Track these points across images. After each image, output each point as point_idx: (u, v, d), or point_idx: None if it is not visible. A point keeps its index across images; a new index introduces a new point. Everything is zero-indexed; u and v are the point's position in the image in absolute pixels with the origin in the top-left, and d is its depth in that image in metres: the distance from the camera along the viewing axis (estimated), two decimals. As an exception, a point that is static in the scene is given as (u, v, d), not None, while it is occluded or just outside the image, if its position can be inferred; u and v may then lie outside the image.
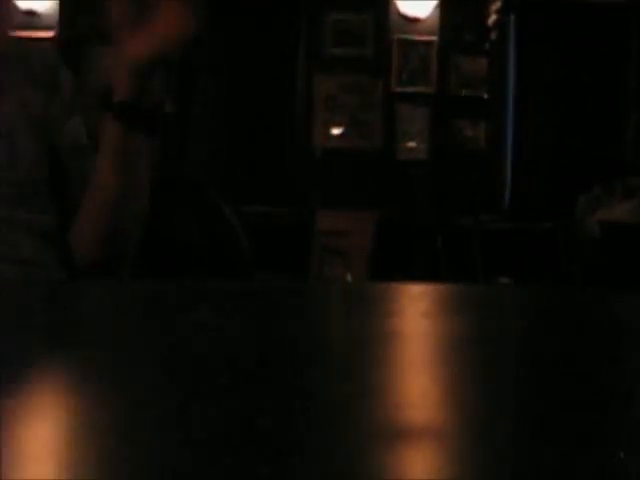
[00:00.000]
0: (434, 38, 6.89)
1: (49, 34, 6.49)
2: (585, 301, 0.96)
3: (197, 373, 0.49)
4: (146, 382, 0.47)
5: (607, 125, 7.01)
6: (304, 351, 0.57)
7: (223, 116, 6.79)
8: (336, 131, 6.87)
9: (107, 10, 1.12)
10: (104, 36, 1.14)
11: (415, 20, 6.85)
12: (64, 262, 1.20)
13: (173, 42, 1.10)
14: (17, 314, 0.70)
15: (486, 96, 6.96)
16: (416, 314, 0.80)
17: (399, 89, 6.90)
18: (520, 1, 6.94)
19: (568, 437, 0.38)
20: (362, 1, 6.87)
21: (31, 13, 6.52)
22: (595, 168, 6.41)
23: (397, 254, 6.33)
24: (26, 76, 1.22)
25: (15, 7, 6.53)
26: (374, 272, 6.21)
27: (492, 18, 6.84)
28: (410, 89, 6.89)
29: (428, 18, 6.86)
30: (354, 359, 0.55)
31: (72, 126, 1.24)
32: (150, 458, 0.34)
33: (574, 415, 0.42)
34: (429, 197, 6.83)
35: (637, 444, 0.38)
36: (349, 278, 6.07)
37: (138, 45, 1.10)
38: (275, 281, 2.93)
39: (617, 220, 5.32)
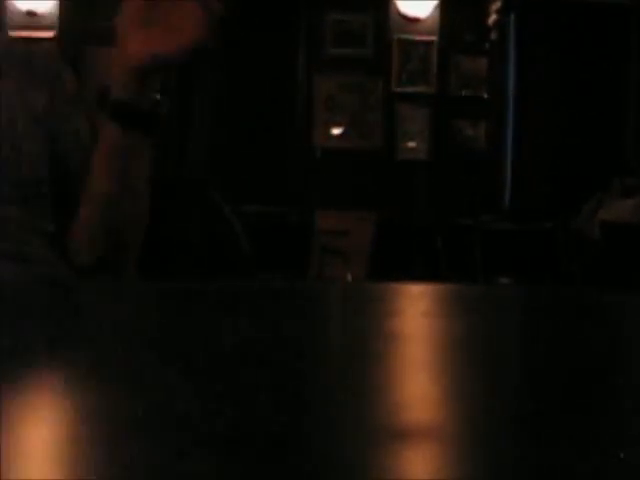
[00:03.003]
0: (434, 38, 6.89)
1: (49, 34, 6.48)
2: (585, 301, 0.96)
3: (196, 373, 0.49)
4: (146, 382, 0.47)
5: (607, 125, 7.01)
6: (304, 351, 0.57)
7: (223, 116, 6.79)
8: (336, 131, 6.87)
9: (116, 8, 1.12)
10: (105, 37, 1.14)
11: (415, 20, 6.85)
12: (68, 261, 1.21)
13: (184, 48, 1.09)
14: (18, 314, 0.70)
15: (486, 96, 6.96)
16: (416, 314, 0.80)
17: (399, 89, 6.89)
18: (520, 1, 6.94)
19: (568, 437, 0.38)
20: (362, 1, 6.86)
21: (31, 13, 6.52)
22: (595, 168, 6.41)
23: (397, 254, 6.33)
24: (28, 77, 1.22)
25: (15, 7, 6.53)
26: (374, 272, 6.21)
27: (492, 18, 6.84)
28: (410, 89, 6.89)
29: (428, 18, 6.86)
30: (354, 359, 0.55)
31: (75, 126, 1.24)
32: (151, 458, 0.34)
33: (574, 415, 0.42)
34: (429, 197, 6.83)
35: (637, 444, 0.38)
36: (349, 278, 6.07)
37: (144, 45, 1.09)
38: (275, 281, 2.93)
39: (617, 220, 5.32)
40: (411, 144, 6.91)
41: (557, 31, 6.99)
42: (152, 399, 0.43)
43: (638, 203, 5.47)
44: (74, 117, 1.24)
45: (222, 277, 1.55)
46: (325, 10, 6.83)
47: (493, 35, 6.89)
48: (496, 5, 6.81)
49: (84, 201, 1.20)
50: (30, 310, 0.73)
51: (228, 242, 1.68)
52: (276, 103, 6.83)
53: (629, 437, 0.39)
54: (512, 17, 6.95)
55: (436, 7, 6.86)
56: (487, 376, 0.52)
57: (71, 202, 1.22)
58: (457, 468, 0.34)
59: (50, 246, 1.20)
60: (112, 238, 1.20)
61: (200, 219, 1.69)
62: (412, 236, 6.39)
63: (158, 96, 1.15)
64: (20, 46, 1.33)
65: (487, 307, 0.88)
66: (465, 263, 5.66)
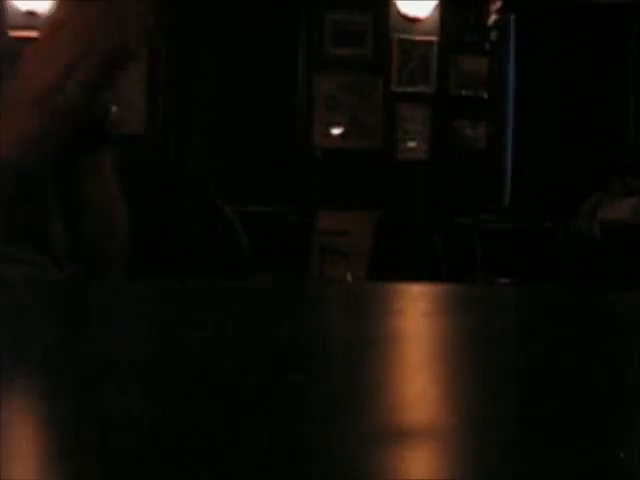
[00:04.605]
0: (434, 38, 6.89)
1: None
2: (585, 301, 0.96)
3: (196, 373, 0.49)
4: (145, 382, 0.47)
5: (607, 125, 7.01)
6: (304, 351, 0.57)
7: (223, 116, 6.79)
8: (336, 131, 6.88)
9: None
10: None
11: (415, 20, 6.86)
12: (59, 263, 1.21)
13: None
14: (18, 314, 0.70)
15: (486, 96, 6.96)
16: (416, 314, 0.80)
17: (399, 89, 6.90)
18: (520, 1, 6.94)
19: (568, 437, 0.38)
20: (362, 1, 6.87)
21: (31, 13, 6.52)
22: (594, 168, 6.42)
23: (397, 254, 6.33)
24: None
25: (15, 7, 6.53)
26: (374, 272, 6.21)
27: (492, 18, 6.84)
28: (410, 89, 6.89)
29: (428, 18, 6.87)
30: (354, 359, 0.55)
31: None
32: (149, 458, 0.34)
33: (574, 415, 0.42)
34: (429, 197, 6.83)
35: (637, 444, 0.38)
36: (349, 278, 6.07)
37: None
38: (275, 281, 2.93)
39: (617, 220, 5.32)
40: (411, 144, 6.92)
41: (557, 31, 6.99)
42: (151, 400, 0.43)
43: (638, 203, 5.48)
44: None
45: (222, 277, 1.55)
46: (325, 10, 6.84)
47: (493, 35, 6.90)
48: (496, 5, 6.81)
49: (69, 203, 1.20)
50: (23, 311, 0.73)
51: (228, 242, 1.68)
52: (276, 103, 6.83)
53: (629, 437, 0.39)
54: (512, 17, 6.96)
55: (436, 7, 6.86)
56: (487, 376, 0.52)
57: (70, 202, 1.22)
58: (457, 468, 0.34)
59: (36, 247, 1.19)
60: (90, 250, 1.20)
61: (200, 219, 1.69)
62: (412, 236, 6.40)
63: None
64: (16, 47, 1.33)
65: (487, 307, 0.88)
66: (465, 263, 5.66)
